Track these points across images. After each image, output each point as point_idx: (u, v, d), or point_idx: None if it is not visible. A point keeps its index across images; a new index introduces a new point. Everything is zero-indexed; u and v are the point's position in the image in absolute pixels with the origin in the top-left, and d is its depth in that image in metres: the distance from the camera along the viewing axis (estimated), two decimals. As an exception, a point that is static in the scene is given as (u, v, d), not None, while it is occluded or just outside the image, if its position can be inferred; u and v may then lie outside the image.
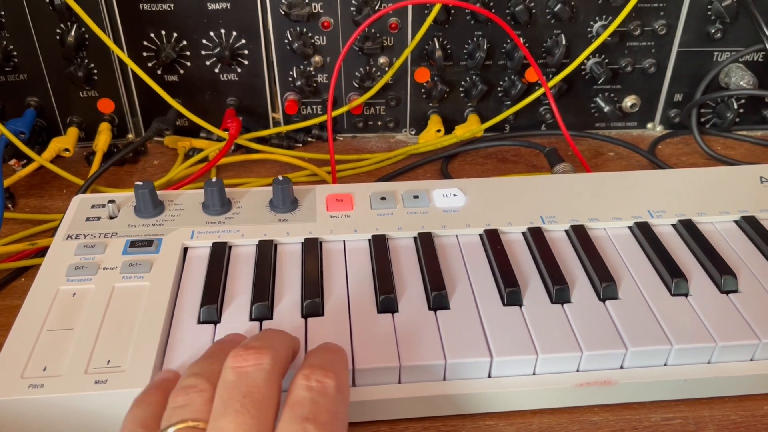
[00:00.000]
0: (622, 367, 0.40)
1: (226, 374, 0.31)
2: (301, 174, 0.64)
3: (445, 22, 0.65)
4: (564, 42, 0.66)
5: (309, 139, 0.70)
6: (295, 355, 0.36)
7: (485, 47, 0.65)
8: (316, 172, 0.63)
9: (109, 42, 0.60)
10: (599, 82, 0.68)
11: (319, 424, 0.29)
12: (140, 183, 0.48)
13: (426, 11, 0.63)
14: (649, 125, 0.73)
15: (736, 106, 0.70)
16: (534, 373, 0.40)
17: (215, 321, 0.41)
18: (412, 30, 0.65)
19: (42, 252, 0.53)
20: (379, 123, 0.71)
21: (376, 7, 0.63)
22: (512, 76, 0.68)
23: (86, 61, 0.64)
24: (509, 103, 0.69)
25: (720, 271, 0.44)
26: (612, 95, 0.70)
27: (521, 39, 0.65)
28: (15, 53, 0.63)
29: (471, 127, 0.68)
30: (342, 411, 0.32)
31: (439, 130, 0.68)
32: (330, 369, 0.33)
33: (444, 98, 0.69)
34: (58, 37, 0.62)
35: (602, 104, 0.70)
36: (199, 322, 0.41)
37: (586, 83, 0.70)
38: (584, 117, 0.72)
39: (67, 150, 0.63)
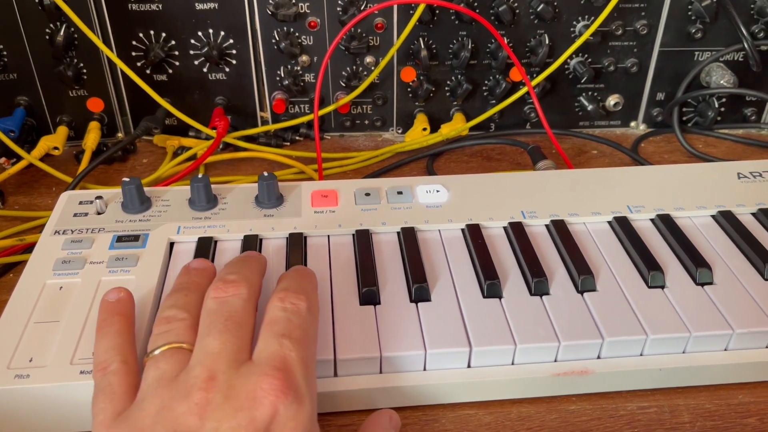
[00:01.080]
0: (599, 357, 0.41)
1: (208, 303, 0.35)
2: (289, 172, 0.65)
3: (430, 22, 0.66)
4: (547, 42, 0.67)
5: (297, 138, 0.71)
6: (263, 273, 0.40)
7: (470, 47, 0.66)
8: (303, 170, 0.64)
9: (98, 42, 0.60)
10: (582, 81, 0.69)
11: (293, 339, 0.33)
12: (127, 179, 0.49)
13: (411, 11, 0.64)
14: (633, 124, 0.74)
15: (717, 105, 0.71)
16: (513, 363, 0.41)
17: (200, 313, 0.42)
18: (397, 30, 0.66)
19: (30, 248, 0.53)
20: (366, 122, 0.72)
21: (362, 7, 0.64)
22: (497, 76, 0.69)
23: (75, 60, 0.65)
24: (494, 102, 0.70)
25: (696, 263, 0.45)
26: (595, 94, 0.71)
27: (505, 39, 0.66)
28: (5, 53, 0.63)
29: (456, 125, 0.69)
30: (312, 329, 0.35)
31: (425, 129, 0.69)
32: (302, 292, 0.36)
33: (430, 97, 0.70)
34: (47, 37, 0.63)
35: (586, 103, 0.71)
36: (184, 314, 0.42)
37: (570, 82, 0.71)
38: (568, 116, 0.73)
39: (56, 148, 0.63)
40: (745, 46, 0.65)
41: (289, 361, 0.32)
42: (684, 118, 0.73)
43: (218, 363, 0.31)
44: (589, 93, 0.71)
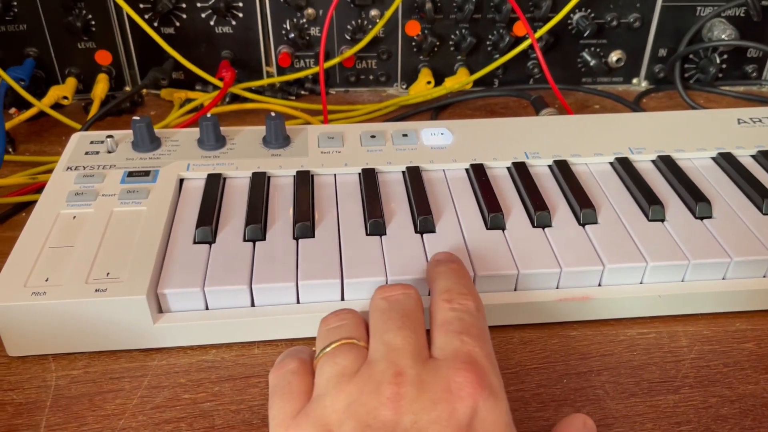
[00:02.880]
0: (600, 285, 0.42)
1: (377, 303, 0.34)
2: (294, 122, 0.66)
3: (435, -25, 0.66)
4: (551, -5, 0.67)
5: (302, 93, 0.72)
6: None
7: (474, 0, 0.67)
8: (309, 121, 0.65)
9: (106, -10, 0.61)
10: (585, 35, 0.70)
11: (472, 335, 0.32)
12: (137, 118, 0.50)
13: (416, -36, 0.65)
14: (635, 80, 0.75)
15: (718, 62, 0.72)
16: (515, 289, 0.42)
17: (210, 241, 0.43)
18: (402, -18, 0.67)
19: (42, 189, 0.54)
20: (371, 77, 0.73)
21: (368, -41, 0.65)
22: (501, 30, 0.70)
23: (84, 12, 0.65)
24: (498, 56, 0.71)
25: (695, 198, 0.46)
26: (598, 50, 0.72)
27: (509, -8, 0.67)
28: (15, 3, 0.64)
29: (460, 79, 0.70)
30: (485, 326, 0.34)
31: (429, 82, 0.70)
32: (466, 291, 0.35)
33: (434, 51, 0.71)
34: (56, -13, 0.64)
35: (588, 58, 0.72)
36: (195, 242, 0.42)
37: (573, 37, 0.71)
38: (571, 72, 0.73)
39: (65, 98, 0.64)
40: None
41: (476, 356, 0.30)
42: (686, 75, 0.74)
43: (403, 358, 0.30)
44: (592, 48, 0.72)
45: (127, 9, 0.62)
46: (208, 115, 0.51)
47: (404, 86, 0.73)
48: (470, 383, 0.29)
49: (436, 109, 0.69)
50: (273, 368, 0.33)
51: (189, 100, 0.68)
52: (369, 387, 0.29)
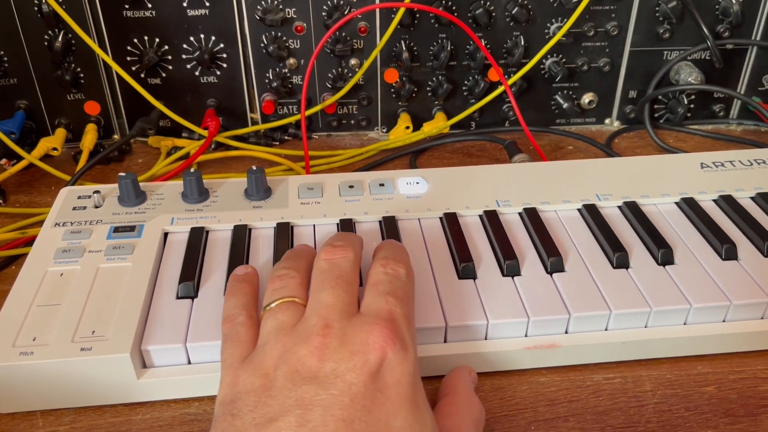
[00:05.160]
0: (566, 332, 0.44)
1: (319, 264, 0.39)
2: (278, 169, 0.68)
3: (410, 26, 0.69)
4: (523, 43, 0.70)
5: (286, 138, 0.74)
6: (362, 246, 0.45)
7: (449, 48, 0.70)
8: (292, 167, 0.67)
9: (95, 46, 0.63)
10: (557, 80, 0.72)
11: (397, 297, 0.37)
12: (123, 174, 0.52)
13: (393, 15, 0.67)
14: (607, 121, 0.77)
15: (686, 102, 0.75)
16: (486, 338, 0.44)
17: (192, 296, 0.44)
18: (380, 33, 0.69)
19: (32, 242, 0.56)
20: (352, 122, 0.75)
21: (345, 12, 0.67)
22: (476, 76, 0.73)
23: (73, 65, 0.68)
24: (474, 101, 0.73)
25: (658, 245, 0.48)
26: (570, 93, 0.75)
27: (482, 40, 0.70)
28: (5, 58, 0.66)
29: (438, 124, 0.72)
30: (412, 291, 0.40)
31: (408, 127, 0.73)
32: (400, 260, 0.41)
33: (412, 97, 0.73)
34: (46, 43, 0.66)
35: (561, 101, 0.74)
36: (178, 297, 0.44)
37: (546, 81, 0.74)
38: (545, 114, 0.76)
39: (55, 149, 0.66)
40: (708, 44, 0.69)
41: (395, 314, 0.36)
42: (655, 115, 0.77)
43: (332, 313, 0.35)
44: (565, 92, 0.75)
45: (115, 67, 0.64)
46: (192, 169, 0.53)
47: (384, 130, 0.75)
48: (384, 337, 0.34)
49: (414, 153, 0.71)
50: (224, 319, 0.39)
51: (176, 148, 0.70)
52: (301, 338, 0.34)
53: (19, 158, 0.64)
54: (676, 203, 0.54)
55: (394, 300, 0.37)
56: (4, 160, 0.67)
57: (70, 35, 0.66)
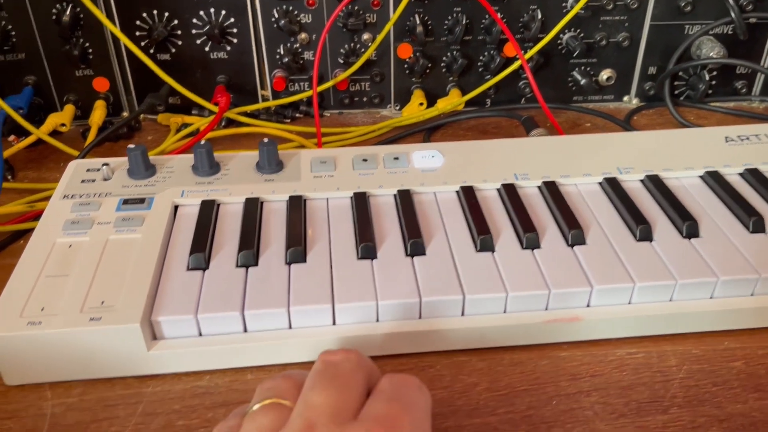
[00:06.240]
0: (588, 306, 0.43)
1: (315, 366, 0.33)
2: (289, 145, 0.66)
3: (425, -1, 0.68)
4: (540, 17, 0.68)
5: (297, 115, 0.73)
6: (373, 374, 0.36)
7: (464, 22, 0.68)
8: (303, 144, 0.66)
9: (103, 17, 0.62)
10: (575, 55, 0.71)
11: (403, 404, 0.31)
12: (132, 146, 0.51)
13: (407, -12, 0.66)
14: (625, 98, 0.75)
15: (708, 78, 0.73)
16: (505, 311, 0.42)
17: (203, 268, 0.43)
18: (393, 6, 0.67)
19: (40, 216, 0.55)
20: (365, 99, 0.74)
21: (359, -15, 0.66)
22: (491, 51, 0.71)
23: (81, 40, 0.67)
24: (489, 77, 0.72)
25: (682, 218, 0.47)
26: (588, 69, 0.73)
27: (499, 14, 0.68)
28: (13, 33, 0.65)
29: (453, 100, 0.71)
30: (426, 410, 0.32)
31: (421, 104, 0.71)
32: (416, 381, 0.33)
33: (426, 73, 0.72)
34: (54, 17, 0.65)
35: (579, 77, 0.73)
36: (188, 269, 0.43)
37: (563, 57, 0.72)
38: (562, 91, 0.74)
39: (63, 125, 0.65)
40: (732, 15, 0.67)
41: (398, 421, 0.29)
42: (676, 92, 0.75)
43: (319, 416, 0.29)
44: (582, 67, 0.73)
45: (123, 39, 0.63)
46: (202, 142, 0.52)
47: (397, 107, 0.74)
48: None
49: (428, 130, 0.70)
50: (218, 425, 0.33)
51: (185, 125, 0.69)
52: None
53: (27, 135, 0.63)
54: (701, 177, 0.53)
55: (400, 406, 0.30)
56: (12, 137, 0.66)
57: (78, 9, 0.65)
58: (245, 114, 0.70)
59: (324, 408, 0.30)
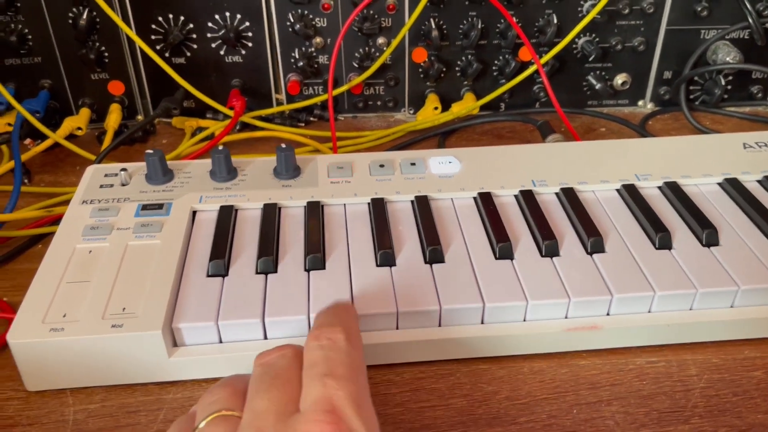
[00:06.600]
0: (608, 314, 0.43)
1: (254, 371, 0.34)
2: (304, 150, 0.66)
3: (440, 3, 0.67)
4: (555, 21, 0.68)
5: (311, 119, 0.73)
6: None
7: (480, 27, 0.68)
8: (318, 148, 0.66)
9: (119, 21, 0.62)
10: (590, 60, 0.70)
11: (336, 377, 0.31)
12: (150, 151, 0.51)
13: (422, -8, 0.66)
14: (640, 103, 0.75)
15: (723, 83, 0.72)
16: (525, 320, 0.42)
17: (223, 274, 0.43)
18: (409, 10, 0.67)
19: (58, 220, 0.55)
20: (379, 103, 0.74)
21: (374, -11, 0.66)
22: (506, 55, 0.71)
23: (97, 44, 0.67)
24: (504, 81, 0.72)
25: (702, 226, 0.46)
26: (603, 73, 0.73)
27: (514, 18, 0.68)
28: (29, 36, 0.65)
29: (467, 104, 0.71)
30: (357, 359, 0.33)
31: (436, 108, 0.71)
32: (337, 324, 0.35)
33: (441, 77, 0.72)
34: (70, 21, 0.65)
35: (594, 82, 0.73)
36: (208, 275, 0.43)
37: (578, 61, 0.72)
38: (577, 95, 0.74)
39: (79, 128, 0.65)
40: (750, 21, 0.67)
41: (336, 401, 0.30)
42: (691, 97, 0.74)
43: (265, 421, 0.30)
44: (597, 72, 0.73)
45: (138, 42, 0.63)
46: (220, 147, 0.52)
47: (411, 111, 0.74)
48: None
49: (443, 135, 0.70)
50: None
51: (200, 129, 0.69)
52: None
53: (43, 138, 0.64)
54: (719, 184, 0.52)
55: (334, 381, 0.31)
56: (28, 140, 0.66)
57: (94, 12, 0.65)
58: (260, 118, 0.70)
59: (269, 412, 0.30)
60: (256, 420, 0.30)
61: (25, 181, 0.62)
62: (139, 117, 0.71)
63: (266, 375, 0.33)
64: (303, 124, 0.72)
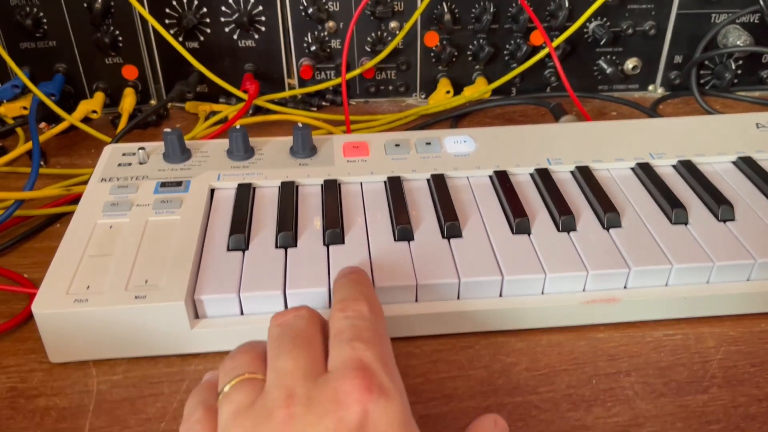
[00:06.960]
0: (625, 287, 0.43)
1: (270, 331, 0.34)
2: (317, 133, 0.67)
3: (453, -13, 0.68)
4: (567, 5, 0.68)
5: (323, 104, 0.73)
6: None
7: (492, 11, 0.68)
8: (331, 131, 0.66)
9: (136, 3, 0.63)
10: (601, 44, 0.71)
11: (364, 340, 0.32)
12: (169, 130, 0.51)
13: (435, -24, 0.66)
14: (651, 87, 0.75)
15: (734, 67, 0.73)
16: (543, 293, 0.43)
17: (243, 249, 0.44)
18: (421, -6, 0.68)
19: (76, 200, 0.55)
20: (391, 87, 0.74)
21: (387, -27, 0.66)
22: (518, 39, 0.71)
23: (112, 28, 0.67)
24: (515, 65, 0.72)
25: (717, 201, 0.47)
26: (614, 57, 0.73)
27: (526, 2, 0.68)
28: (45, 20, 0.66)
29: (479, 88, 0.71)
30: (381, 327, 0.34)
31: (448, 92, 0.71)
32: (360, 297, 0.35)
33: (452, 61, 0.72)
34: (85, 5, 0.65)
35: (605, 66, 0.73)
36: (229, 249, 0.44)
37: (589, 46, 0.72)
38: (587, 80, 0.74)
39: (94, 112, 0.66)
40: (761, 4, 0.67)
41: (366, 360, 0.31)
42: (702, 81, 0.75)
43: (294, 380, 0.30)
44: (608, 56, 0.73)
45: (153, 23, 0.64)
46: (237, 126, 0.52)
47: (423, 96, 0.74)
48: (357, 389, 0.29)
49: (455, 118, 0.70)
50: (183, 420, 0.33)
51: (213, 113, 0.70)
52: (262, 416, 0.29)
53: (58, 122, 0.64)
54: (733, 162, 0.53)
55: (362, 344, 0.31)
56: (43, 124, 0.67)
57: (109, -3, 0.66)
58: (272, 102, 0.71)
59: (296, 371, 0.31)
60: (282, 379, 0.30)
61: (42, 163, 0.62)
62: (153, 101, 0.72)
63: (285, 336, 0.33)
64: (315, 109, 0.73)
